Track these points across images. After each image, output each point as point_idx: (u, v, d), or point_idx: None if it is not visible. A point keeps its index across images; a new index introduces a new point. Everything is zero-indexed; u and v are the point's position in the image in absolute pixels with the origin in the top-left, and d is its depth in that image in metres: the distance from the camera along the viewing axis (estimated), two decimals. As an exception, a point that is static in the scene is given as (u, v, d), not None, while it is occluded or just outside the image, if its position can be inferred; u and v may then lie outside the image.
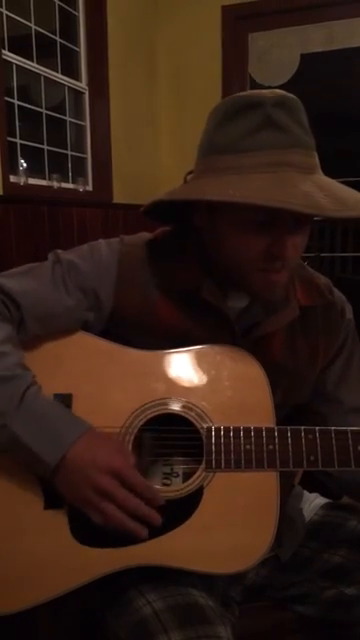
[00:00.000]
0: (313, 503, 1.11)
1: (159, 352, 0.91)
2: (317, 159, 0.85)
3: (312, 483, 1.18)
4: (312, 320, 0.99)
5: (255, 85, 3.80)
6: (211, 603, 0.88)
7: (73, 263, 0.93)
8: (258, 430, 0.87)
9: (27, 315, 0.89)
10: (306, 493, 1.14)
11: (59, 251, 0.95)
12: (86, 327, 0.94)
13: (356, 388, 1.04)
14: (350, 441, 0.87)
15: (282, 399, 0.96)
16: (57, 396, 0.89)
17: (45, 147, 3.02)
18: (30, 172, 2.86)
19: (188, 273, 0.93)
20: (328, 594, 1.00)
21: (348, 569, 0.99)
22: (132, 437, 0.88)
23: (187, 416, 0.88)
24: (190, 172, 0.90)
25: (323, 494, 1.15)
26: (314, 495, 1.14)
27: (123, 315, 0.93)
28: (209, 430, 0.87)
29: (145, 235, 0.99)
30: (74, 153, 3.28)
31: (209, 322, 0.92)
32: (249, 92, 0.84)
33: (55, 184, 3.00)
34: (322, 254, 3.89)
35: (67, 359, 0.92)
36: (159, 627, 0.81)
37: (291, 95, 0.84)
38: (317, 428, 0.88)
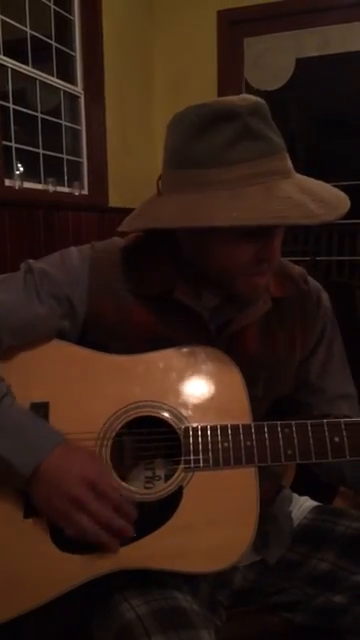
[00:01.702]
0: (303, 506, 1.11)
1: (134, 356, 0.92)
2: (289, 159, 0.87)
3: (303, 486, 1.19)
4: (288, 311, 1.00)
5: (251, 89, 3.81)
6: (195, 607, 0.87)
7: (45, 271, 0.93)
8: (235, 427, 0.87)
9: (0, 327, 0.89)
10: (296, 496, 1.14)
11: (31, 261, 0.96)
12: (62, 335, 0.94)
13: (339, 375, 1.05)
14: (326, 433, 0.87)
15: (264, 392, 0.96)
16: (33, 405, 0.89)
17: (41, 151, 3.02)
18: (26, 176, 2.86)
19: (160, 275, 0.93)
20: (317, 602, 0.99)
21: (336, 576, 0.99)
22: (109, 442, 0.88)
23: (164, 418, 0.89)
24: (160, 177, 0.90)
25: (313, 497, 1.15)
26: (304, 498, 1.14)
27: (98, 321, 0.93)
28: (186, 430, 0.88)
29: (117, 240, 0.99)
30: (70, 157, 3.28)
31: (184, 323, 0.93)
32: (217, 101, 0.83)
33: (51, 188, 2.99)
34: (318, 258, 3.90)
35: (43, 368, 0.92)
36: (142, 632, 0.81)
37: (260, 100, 0.84)
38: (294, 422, 0.88)
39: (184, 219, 0.83)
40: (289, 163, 0.85)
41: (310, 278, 1.05)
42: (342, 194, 0.86)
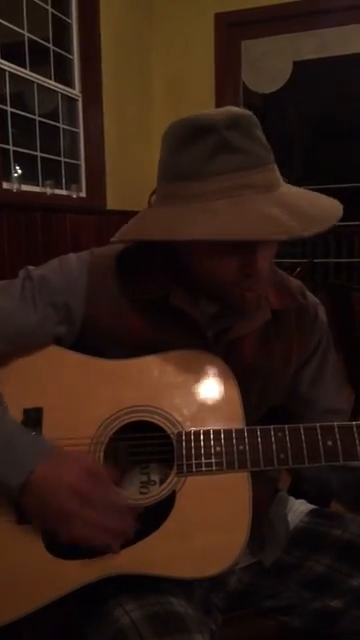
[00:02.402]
0: (299, 509, 1.11)
1: (128, 360, 0.92)
2: (277, 171, 0.85)
3: (299, 489, 1.18)
4: (285, 323, 1.00)
5: (249, 92, 3.82)
6: (190, 611, 0.87)
7: (44, 278, 0.93)
8: (228, 432, 0.87)
9: None
10: (292, 499, 1.13)
11: (30, 267, 0.96)
12: (58, 340, 0.94)
13: (331, 389, 1.05)
14: (319, 436, 0.87)
15: (257, 401, 0.96)
16: (27, 410, 0.89)
17: (38, 154, 3.03)
18: (23, 179, 2.86)
19: (156, 281, 0.93)
20: (313, 605, 0.99)
21: (332, 580, 0.98)
22: (103, 447, 0.88)
23: (158, 422, 0.89)
24: (154, 192, 0.91)
25: (310, 501, 1.14)
26: (300, 501, 1.14)
27: (94, 326, 0.94)
28: (179, 435, 0.88)
29: (115, 247, 0.99)
30: (67, 160, 3.28)
31: (180, 329, 0.93)
32: (199, 115, 0.84)
33: (48, 191, 3.00)
34: (316, 260, 3.91)
35: (36, 373, 0.93)
36: (136, 637, 0.80)
37: (243, 111, 0.84)
38: (287, 426, 0.88)
39: (159, 232, 0.84)
40: (274, 175, 0.84)
41: (308, 292, 1.05)
42: (334, 207, 0.84)
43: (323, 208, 0.83)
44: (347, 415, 1.07)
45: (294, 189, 0.87)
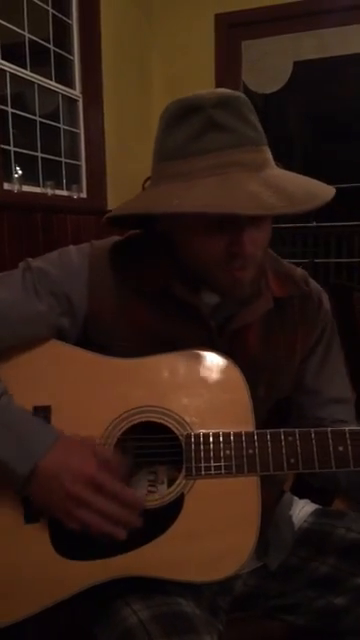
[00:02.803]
0: (303, 510, 1.11)
1: (137, 359, 0.91)
2: (268, 153, 0.85)
3: (302, 489, 1.18)
4: (289, 312, 1.00)
5: (249, 92, 3.81)
6: (198, 612, 0.87)
7: (43, 269, 0.93)
8: (237, 435, 0.87)
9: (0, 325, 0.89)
10: (296, 499, 1.14)
11: (30, 259, 0.96)
12: (62, 335, 0.93)
13: (334, 378, 1.05)
14: (330, 441, 0.86)
15: (265, 393, 0.96)
16: (36, 408, 0.89)
17: (39, 154, 3.02)
18: (24, 179, 2.86)
19: (158, 272, 0.93)
20: (317, 604, 0.99)
21: (337, 579, 0.99)
22: (111, 447, 0.88)
23: (166, 423, 0.88)
24: (148, 178, 0.91)
25: (313, 500, 1.14)
26: (304, 501, 1.14)
27: (98, 319, 0.93)
28: (188, 437, 0.87)
29: (115, 239, 0.99)
30: (68, 160, 3.28)
31: (184, 320, 0.92)
32: (190, 96, 0.84)
33: (49, 191, 2.99)
34: (316, 260, 3.91)
35: (45, 371, 0.92)
36: (145, 637, 0.80)
37: (234, 93, 0.85)
38: (297, 430, 0.87)
39: (139, 207, 0.85)
40: (263, 155, 0.84)
41: (311, 280, 1.05)
42: (323, 191, 0.83)
43: (309, 191, 0.82)
44: (351, 404, 1.06)
45: (284, 172, 0.86)
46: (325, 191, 0.83)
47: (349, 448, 0.86)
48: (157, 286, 0.92)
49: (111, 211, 0.89)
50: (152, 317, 0.93)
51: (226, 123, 0.81)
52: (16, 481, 0.82)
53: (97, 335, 0.93)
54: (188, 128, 0.82)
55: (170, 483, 0.88)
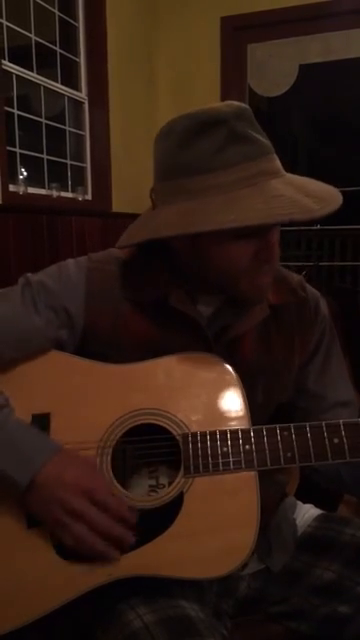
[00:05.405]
0: (307, 514, 1.10)
1: (133, 364, 0.93)
2: (278, 160, 0.88)
3: (307, 494, 1.18)
4: (286, 318, 1.00)
5: (254, 95, 3.82)
6: (202, 615, 0.87)
7: (42, 283, 0.95)
8: (234, 432, 0.88)
9: (0, 340, 0.90)
10: (300, 504, 1.13)
11: (29, 274, 0.97)
12: (61, 346, 0.95)
13: (338, 382, 1.05)
14: (325, 434, 0.87)
15: (264, 398, 0.97)
16: (35, 416, 0.90)
17: (45, 156, 3.04)
18: (29, 181, 2.87)
19: (155, 283, 0.94)
20: (321, 611, 0.99)
21: (341, 586, 0.98)
22: (110, 450, 0.89)
23: (164, 425, 0.89)
24: (152, 190, 0.91)
25: (318, 505, 1.14)
26: (308, 506, 1.13)
27: (96, 331, 0.94)
28: (185, 436, 0.88)
29: (113, 251, 1.00)
30: (73, 162, 3.29)
31: (181, 330, 0.93)
32: (203, 109, 0.85)
33: (54, 193, 3.00)
34: (320, 263, 3.90)
35: (43, 379, 0.93)
36: None
37: (244, 105, 0.86)
38: (292, 424, 0.88)
39: (182, 227, 0.84)
40: (278, 163, 0.87)
41: (308, 286, 1.06)
42: (332, 189, 0.87)
43: (325, 190, 0.86)
44: (356, 406, 1.07)
45: (298, 176, 0.89)
46: (335, 192, 0.86)
47: (344, 439, 0.87)
48: (154, 297, 0.93)
49: (133, 234, 0.90)
50: (149, 328, 0.94)
51: (247, 134, 0.83)
52: (16, 491, 0.83)
53: (95, 346, 0.95)
54: (210, 141, 0.82)
55: (171, 483, 0.89)
